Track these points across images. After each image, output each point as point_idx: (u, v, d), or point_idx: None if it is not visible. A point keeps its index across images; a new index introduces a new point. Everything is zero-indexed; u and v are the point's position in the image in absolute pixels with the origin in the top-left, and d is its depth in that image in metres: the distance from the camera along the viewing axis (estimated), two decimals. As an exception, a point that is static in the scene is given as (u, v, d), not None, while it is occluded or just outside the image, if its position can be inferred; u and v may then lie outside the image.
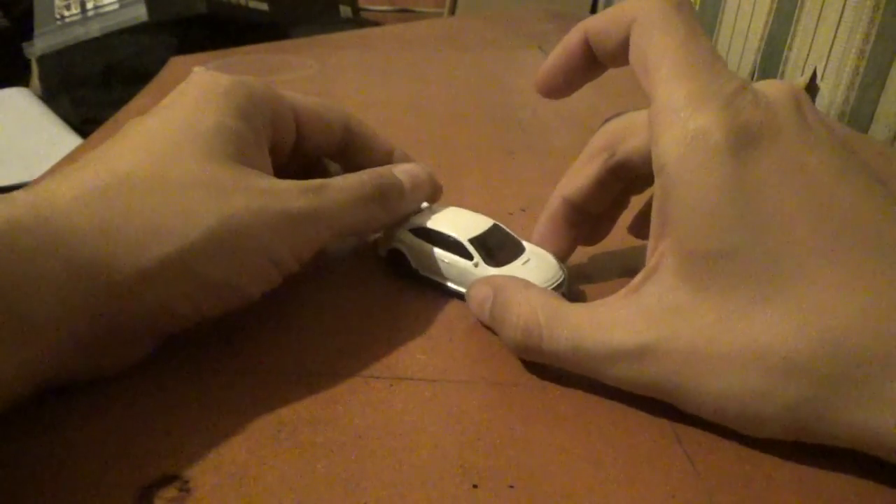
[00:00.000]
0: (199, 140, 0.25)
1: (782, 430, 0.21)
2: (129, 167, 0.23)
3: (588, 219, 0.31)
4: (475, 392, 0.24)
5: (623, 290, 0.24)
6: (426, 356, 0.26)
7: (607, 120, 0.29)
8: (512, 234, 0.31)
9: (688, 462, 0.22)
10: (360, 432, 0.22)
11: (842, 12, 0.61)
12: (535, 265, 0.29)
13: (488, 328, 0.28)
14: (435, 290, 0.30)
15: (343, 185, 0.27)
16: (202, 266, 0.22)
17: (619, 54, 0.25)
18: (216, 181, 0.24)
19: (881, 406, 0.20)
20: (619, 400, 0.24)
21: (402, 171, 0.30)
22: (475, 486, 0.20)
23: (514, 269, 0.29)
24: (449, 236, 0.30)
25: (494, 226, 0.31)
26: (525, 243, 0.31)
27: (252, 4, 1.00)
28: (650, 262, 0.23)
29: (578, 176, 0.29)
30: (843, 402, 0.20)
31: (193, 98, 0.26)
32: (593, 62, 0.27)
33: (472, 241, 0.29)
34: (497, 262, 0.29)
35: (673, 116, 0.22)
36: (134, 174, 0.23)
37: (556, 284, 0.29)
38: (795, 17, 0.68)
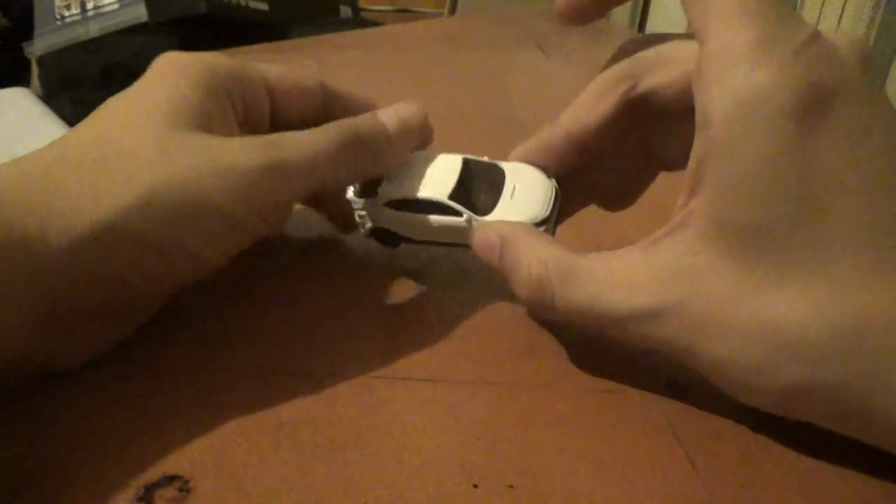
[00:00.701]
0: (150, 108, 0.24)
1: (776, 404, 0.21)
2: (75, 140, 0.23)
3: (586, 163, 0.28)
4: (475, 392, 0.24)
5: (642, 242, 0.23)
6: (426, 356, 0.26)
7: (628, 42, 0.26)
8: (485, 161, 0.29)
9: (688, 462, 0.22)
10: (360, 432, 0.22)
11: (842, 12, 0.61)
12: (523, 193, 0.27)
13: (489, 326, 0.28)
14: (437, 286, 0.30)
15: (309, 135, 0.25)
16: (142, 228, 0.21)
17: None
18: (161, 144, 0.23)
19: (889, 396, 0.19)
20: (619, 400, 0.24)
21: (387, 115, 0.28)
22: (475, 486, 0.20)
23: (504, 208, 0.27)
24: (428, 201, 0.28)
25: (465, 164, 0.29)
26: (503, 165, 0.29)
27: (252, 4, 1.00)
28: (676, 217, 0.22)
29: (591, 108, 0.26)
30: (850, 389, 0.20)
31: (151, 74, 0.26)
32: None
33: (452, 196, 0.27)
34: (486, 208, 0.27)
35: (731, 66, 0.19)
36: (78, 145, 0.23)
37: (552, 203, 0.27)
38: (795, 17, 0.68)
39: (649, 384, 0.25)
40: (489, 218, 0.27)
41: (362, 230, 0.30)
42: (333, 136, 0.26)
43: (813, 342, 0.19)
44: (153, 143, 0.23)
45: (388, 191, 0.28)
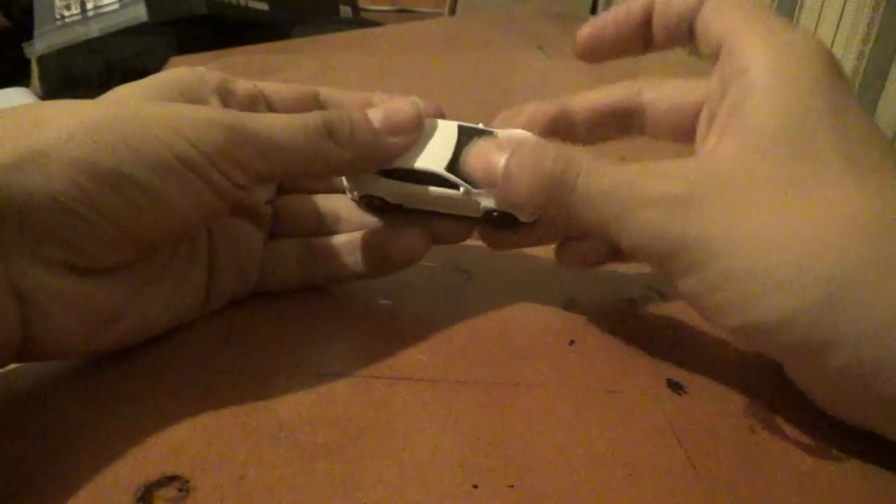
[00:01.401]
0: (136, 87, 0.25)
1: (771, 328, 0.21)
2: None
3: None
4: (475, 392, 0.24)
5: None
6: (426, 356, 0.26)
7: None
8: (479, 128, 0.29)
9: (688, 462, 0.22)
10: (360, 432, 0.22)
11: (842, 12, 0.61)
12: None
13: (489, 326, 0.28)
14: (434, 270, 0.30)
15: (277, 116, 0.25)
16: (84, 153, 0.21)
17: (678, 31, 0.27)
18: (122, 100, 0.23)
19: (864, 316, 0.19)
20: (619, 400, 0.24)
21: (375, 112, 0.27)
22: (475, 486, 0.20)
23: None
24: (424, 172, 0.27)
25: (460, 132, 0.28)
26: (497, 132, 0.29)
27: (252, 4, 1.00)
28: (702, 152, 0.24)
29: (594, 94, 0.29)
30: (857, 303, 0.20)
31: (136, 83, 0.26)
32: (644, 35, 0.28)
33: (449, 168, 0.27)
34: None
35: (764, 32, 0.23)
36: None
37: None
38: (795, 17, 0.68)
39: (649, 384, 0.25)
40: (485, 189, 0.27)
41: (350, 196, 0.29)
42: (301, 120, 0.25)
43: (831, 244, 0.20)
44: (116, 98, 0.24)
45: None
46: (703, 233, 0.21)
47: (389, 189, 0.28)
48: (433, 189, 0.27)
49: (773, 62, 0.23)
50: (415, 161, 0.27)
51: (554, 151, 0.24)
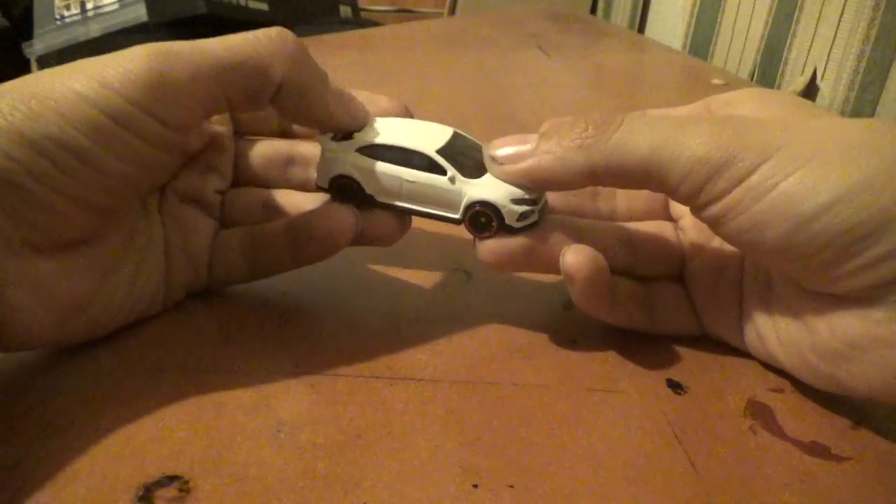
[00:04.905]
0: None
1: (834, 220, 0.20)
2: None
3: None
4: (475, 392, 0.24)
5: None
6: (426, 356, 0.26)
7: None
8: (474, 139, 0.28)
9: (688, 462, 0.22)
10: (360, 432, 0.22)
11: (842, 12, 0.61)
12: None
13: (489, 326, 0.28)
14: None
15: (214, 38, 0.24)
16: (10, 120, 0.20)
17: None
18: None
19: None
20: (619, 400, 0.24)
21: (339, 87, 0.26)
22: (475, 486, 0.20)
23: (493, 178, 0.25)
24: (412, 150, 0.25)
25: (455, 133, 0.27)
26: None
27: (252, 4, 1.00)
28: None
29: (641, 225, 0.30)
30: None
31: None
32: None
33: (440, 152, 0.25)
34: (475, 173, 0.25)
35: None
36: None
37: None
38: (795, 18, 0.68)
39: (649, 384, 0.25)
40: (478, 181, 0.25)
41: (319, 182, 0.27)
42: (242, 34, 0.24)
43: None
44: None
45: (364, 136, 0.26)
46: (760, 134, 0.22)
47: (366, 168, 0.26)
48: (416, 173, 0.25)
49: (757, 96, 0.27)
50: (401, 140, 0.26)
51: (592, 116, 0.24)
